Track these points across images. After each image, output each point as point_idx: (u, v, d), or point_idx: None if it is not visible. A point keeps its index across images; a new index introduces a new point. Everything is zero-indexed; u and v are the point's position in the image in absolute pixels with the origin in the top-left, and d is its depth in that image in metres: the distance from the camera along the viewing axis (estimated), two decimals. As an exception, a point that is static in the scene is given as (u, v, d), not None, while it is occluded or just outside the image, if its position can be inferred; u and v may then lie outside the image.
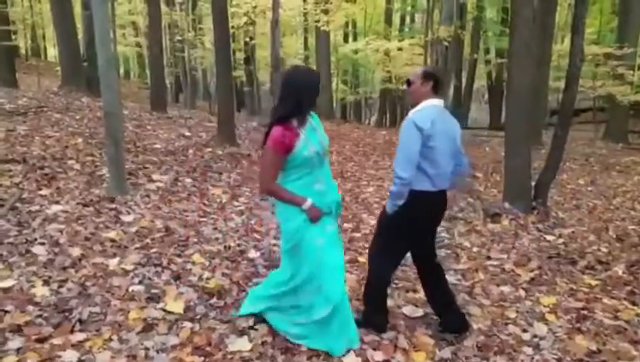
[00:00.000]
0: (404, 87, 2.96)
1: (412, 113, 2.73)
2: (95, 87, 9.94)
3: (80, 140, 6.82)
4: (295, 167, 2.56)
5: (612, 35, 16.21)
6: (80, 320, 2.81)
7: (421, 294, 3.52)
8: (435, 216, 2.91)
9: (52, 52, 26.62)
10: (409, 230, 2.82)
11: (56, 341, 2.60)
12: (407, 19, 23.21)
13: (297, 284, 2.70)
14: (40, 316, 2.82)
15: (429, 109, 2.73)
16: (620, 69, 12.62)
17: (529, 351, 2.89)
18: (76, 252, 3.64)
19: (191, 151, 7.52)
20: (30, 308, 2.88)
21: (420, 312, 3.26)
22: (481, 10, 17.72)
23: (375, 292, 2.98)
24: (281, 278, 2.82)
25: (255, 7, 14.91)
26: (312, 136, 2.59)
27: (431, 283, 3.04)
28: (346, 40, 22.17)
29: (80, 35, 12.09)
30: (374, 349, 2.78)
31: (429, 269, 3.02)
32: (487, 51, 20.59)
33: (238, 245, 4.24)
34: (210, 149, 7.81)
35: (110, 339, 2.68)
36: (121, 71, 29.83)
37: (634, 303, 3.59)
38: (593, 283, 3.96)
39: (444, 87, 2.81)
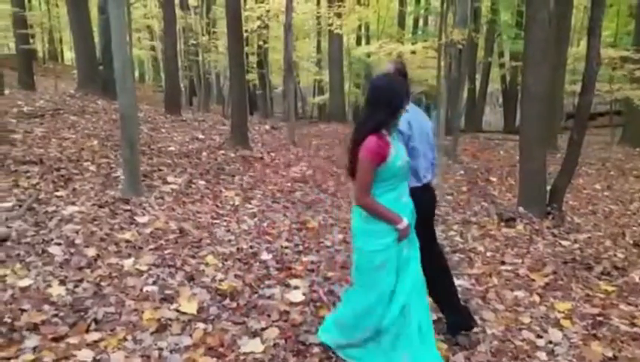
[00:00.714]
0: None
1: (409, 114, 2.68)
2: (111, 90, 10.09)
3: (96, 142, 6.92)
4: (385, 180, 2.41)
5: (629, 38, 15.96)
6: (95, 320, 2.85)
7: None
8: (426, 209, 2.85)
9: (69, 55, 27.03)
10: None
11: (71, 340, 2.64)
12: (421, 22, 23.13)
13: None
14: (56, 315, 2.86)
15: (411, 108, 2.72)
16: (638, 72, 12.42)
17: (543, 356, 2.86)
18: (92, 252, 3.69)
19: (204, 153, 7.58)
20: (46, 307, 2.92)
21: (432, 317, 3.24)
22: (495, 14, 17.59)
23: None
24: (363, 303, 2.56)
25: (268, 10, 15.00)
26: (398, 145, 2.50)
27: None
28: (358, 43, 22.14)
29: (96, 39, 12.26)
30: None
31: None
32: (501, 54, 20.40)
33: (251, 247, 4.26)
34: (223, 152, 7.86)
35: (125, 339, 2.70)
36: (136, 74, 30.16)
37: (651, 310, 3.53)
38: (609, 289, 3.89)
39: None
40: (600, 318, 3.35)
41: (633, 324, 3.29)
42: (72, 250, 3.68)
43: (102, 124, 8.22)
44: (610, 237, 5.33)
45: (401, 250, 2.49)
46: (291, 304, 3.29)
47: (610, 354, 2.89)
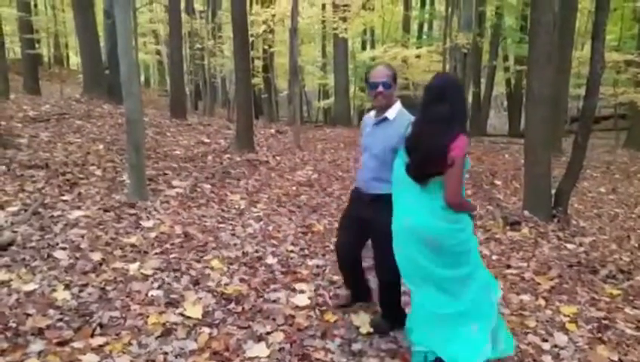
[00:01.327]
0: (380, 89, 2.75)
1: (405, 116, 2.77)
2: (116, 95, 10.15)
3: (101, 147, 6.96)
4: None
5: (633, 42, 15.93)
6: (100, 324, 2.86)
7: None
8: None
9: (74, 60, 27.20)
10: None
11: (76, 344, 2.65)
12: (425, 26, 23.16)
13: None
14: (61, 319, 2.87)
15: (405, 112, 2.83)
16: (642, 75, 12.42)
17: (549, 360, 2.85)
18: (97, 257, 3.70)
19: (210, 157, 7.60)
20: (51, 311, 2.93)
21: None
22: (499, 18, 17.60)
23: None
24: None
25: (274, 15, 15.07)
26: None
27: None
28: (363, 47, 22.20)
29: (102, 43, 12.35)
30: (392, 357, 2.77)
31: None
32: (505, 58, 20.40)
33: (256, 251, 4.26)
34: (228, 156, 7.88)
35: (130, 344, 2.71)
36: (142, 78, 30.33)
37: (657, 313, 3.52)
38: (615, 292, 3.89)
39: None
40: (605, 322, 3.34)
41: (639, 328, 3.28)
42: (78, 255, 3.70)
43: (107, 129, 8.26)
44: (616, 241, 5.32)
45: None
46: (297, 308, 3.28)
47: (615, 357, 2.89)
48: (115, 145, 7.13)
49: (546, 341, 3.07)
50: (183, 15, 14.83)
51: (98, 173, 5.79)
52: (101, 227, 4.28)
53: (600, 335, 3.16)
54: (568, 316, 3.41)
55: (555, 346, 3.02)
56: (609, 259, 4.63)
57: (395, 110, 2.80)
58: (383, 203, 2.67)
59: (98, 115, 9.33)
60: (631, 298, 3.80)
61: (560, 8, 8.35)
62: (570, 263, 4.48)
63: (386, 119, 2.81)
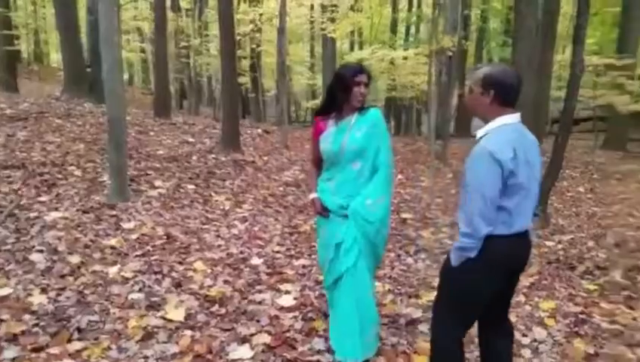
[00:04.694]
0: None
1: (484, 140, 2.01)
2: (98, 93, 9.97)
3: (81, 146, 6.83)
4: (324, 159, 2.68)
5: (613, 46, 16.27)
6: (78, 329, 2.80)
7: (423, 299, 3.54)
8: (513, 266, 2.17)
9: (55, 57, 26.69)
10: (482, 288, 2.11)
11: (52, 350, 2.58)
12: (413, 29, 23.32)
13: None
14: (37, 325, 2.80)
15: (506, 132, 2.01)
16: (621, 79, 12.67)
17: (528, 354, 2.90)
18: (75, 259, 3.62)
19: (194, 157, 7.52)
20: (27, 316, 2.86)
21: (421, 317, 3.26)
22: (484, 21, 17.81)
23: None
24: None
25: (262, 14, 14.98)
26: (337, 134, 2.58)
27: (493, 348, 2.34)
28: (351, 48, 22.26)
29: (83, 40, 12.12)
30: (377, 355, 2.75)
31: (494, 333, 2.33)
32: (490, 61, 20.66)
33: (241, 252, 4.22)
34: (213, 156, 7.81)
35: (109, 348, 2.66)
36: (125, 76, 29.94)
37: (631, 307, 3.62)
38: (591, 288, 3.99)
39: (517, 96, 2.09)
40: (582, 316, 3.42)
41: (614, 321, 3.36)
42: (55, 258, 3.62)
43: (88, 128, 8.11)
44: (593, 238, 5.42)
45: (332, 225, 2.63)
46: (282, 309, 3.26)
47: (591, 350, 2.95)
48: (95, 144, 7.00)
49: (526, 336, 3.12)
50: (169, 12, 14.66)
51: (77, 173, 5.68)
52: (80, 229, 4.19)
53: (577, 329, 3.23)
54: (547, 311, 3.48)
55: (535, 340, 3.07)
56: (586, 256, 4.74)
57: (485, 130, 2.09)
58: None
59: (79, 113, 9.15)
60: (607, 293, 3.90)
61: (543, 13, 8.47)
62: (550, 260, 4.58)
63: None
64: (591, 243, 5.20)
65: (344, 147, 2.52)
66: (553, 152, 5.90)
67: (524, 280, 4.01)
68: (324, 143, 2.59)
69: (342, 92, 2.51)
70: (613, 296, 3.81)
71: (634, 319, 3.40)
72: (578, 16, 5.59)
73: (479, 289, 2.12)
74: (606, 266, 4.46)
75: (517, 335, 3.08)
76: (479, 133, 2.08)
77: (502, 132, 2.01)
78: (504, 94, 2.02)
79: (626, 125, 14.96)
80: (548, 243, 5.11)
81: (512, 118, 2.04)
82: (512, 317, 3.30)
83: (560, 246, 5.04)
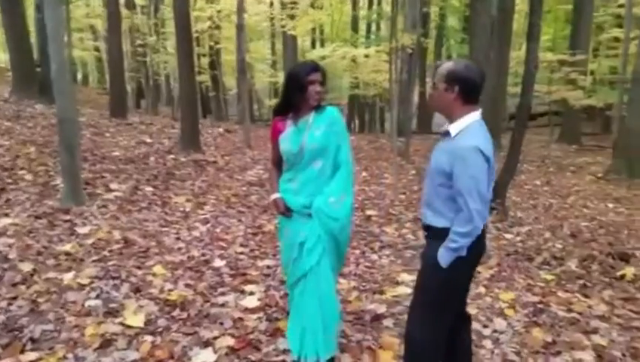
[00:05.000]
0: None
1: (463, 137, 2.02)
2: (49, 94, 9.54)
3: (32, 149, 6.55)
4: (285, 160, 2.65)
5: (566, 43, 16.90)
6: (32, 339, 2.67)
7: (388, 295, 3.56)
8: (482, 255, 2.26)
9: (1, 57, 25.42)
10: (466, 282, 2.24)
11: (5, 361, 2.46)
12: (374, 26, 23.53)
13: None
14: (-14, 336, 2.66)
15: (481, 127, 2.06)
16: (573, 74, 13.18)
17: (489, 345, 2.96)
18: (27, 267, 3.46)
19: (152, 158, 7.34)
20: (-24, 328, 2.71)
21: (385, 312, 3.28)
22: (443, 19, 18.15)
23: None
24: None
25: (219, 11, 14.74)
26: (296, 134, 2.53)
27: (457, 335, 2.34)
28: (313, 46, 22.24)
29: (33, 39, 11.63)
30: (342, 351, 2.76)
31: (460, 321, 2.35)
32: (449, 58, 21.08)
33: (203, 254, 4.14)
34: (173, 156, 7.64)
35: (65, 358, 2.55)
36: (79, 76, 28.95)
37: (586, 296, 3.78)
38: (549, 278, 4.12)
39: (480, 91, 2.13)
40: (540, 306, 3.53)
41: (570, 310, 3.49)
42: (5, 266, 3.45)
43: (39, 130, 7.80)
44: (550, 229, 5.63)
45: (294, 224, 2.60)
46: (246, 310, 3.21)
47: (549, 339, 3.05)
48: (47, 147, 6.73)
49: (487, 326, 3.19)
50: (123, 10, 14.24)
51: (29, 177, 5.45)
52: (32, 235, 4.02)
53: (535, 318, 3.34)
54: (507, 302, 3.57)
55: (495, 331, 3.14)
56: (544, 247, 4.90)
57: (459, 127, 2.08)
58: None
59: (29, 115, 8.79)
60: (563, 282, 4.05)
61: (498, 10, 8.71)
62: (508, 252, 4.72)
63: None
64: (548, 235, 5.39)
65: (304, 147, 2.50)
66: (510, 147, 6.08)
67: (485, 272, 4.11)
68: (284, 144, 2.55)
69: (297, 91, 2.47)
70: (570, 285, 3.97)
71: (589, 307, 3.55)
72: (531, 14, 5.77)
73: (464, 285, 2.22)
74: (562, 256, 4.64)
75: (478, 326, 3.16)
76: (453, 131, 2.07)
77: (478, 127, 2.04)
78: (468, 90, 2.04)
79: (580, 119, 15.62)
80: (507, 235, 5.26)
81: (478, 115, 2.08)
82: (473, 309, 3.38)
83: (518, 238, 5.20)
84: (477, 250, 2.08)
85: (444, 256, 2.04)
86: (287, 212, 2.62)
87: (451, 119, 2.10)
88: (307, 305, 2.55)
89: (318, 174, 2.56)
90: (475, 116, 2.06)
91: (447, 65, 2.10)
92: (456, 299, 2.22)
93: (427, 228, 2.20)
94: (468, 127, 2.04)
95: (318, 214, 2.52)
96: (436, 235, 2.10)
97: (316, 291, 2.54)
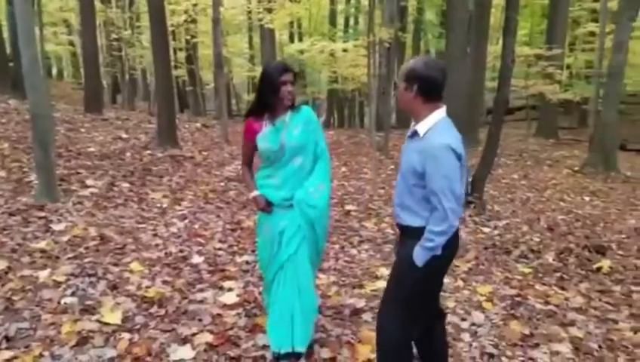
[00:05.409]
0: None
1: (433, 135, 2.00)
2: (22, 89, 9.33)
3: (6, 145, 6.41)
4: (261, 158, 2.70)
5: (542, 37, 17.13)
6: (6, 338, 2.64)
7: (367, 289, 3.59)
8: (455, 253, 2.24)
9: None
10: (441, 279, 2.26)
11: (-22, 361, 2.42)
12: (352, 20, 23.51)
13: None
14: (-40, 335, 2.60)
15: (450, 126, 2.06)
16: (550, 68, 13.38)
17: (467, 338, 2.99)
18: (1, 265, 3.41)
19: (128, 154, 7.24)
20: (-51, 327, 2.66)
21: (364, 306, 3.30)
22: (420, 13, 18.22)
23: None
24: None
25: (195, 4, 14.52)
26: (274, 133, 2.59)
27: (433, 330, 2.36)
28: (291, 40, 22.12)
29: (5, 34, 11.33)
30: (321, 346, 2.78)
31: (436, 317, 2.38)
32: (427, 53, 21.19)
33: (181, 251, 4.11)
34: (149, 152, 7.55)
35: (41, 356, 2.53)
36: (54, 71, 28.30)
37: (563, 288, 3.83)
38: (526, 271, 4.17)
39: (442, 89, 2.09)
40: (518, 299, 3.57)
41: (547, 303, 3.54)
42: (-21, 264, 3.38)
43: (13, 126, 7.63)
44: (527, 223, 5.69)
45: (274, 218, 2.66)
46: (224, 306, 3.20)
47: (527, 331, 3.09)
48: (21, 143, 6.59)
49: (465, 319, 3.22)
50: (98, 3, 13.95)
51: (2, 173, 5.34)
52: (6, 232, 3.96)
53: (513, 311, 3.38)
54: (484, 295, 3.61)
55: (473, 324, 3.17)
56: (521, 240, 4.96)
57: (428, 125, 2.05)
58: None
59: (2, 110, 8.59)
60: (540, 275, 4.10)
61: (475, 5, 8.80)
62: (486, 246, 4.76)
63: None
64: (525, 228, 5.45)
65: (284, 144, 2.58)
66: (487, 141, 6.13)
67: (462, 266, 4.15)
68: (263, 142, 2.60)
69: (271, 93, 2.54)
70: (547, 278, 4.02)
71: (566, 299, 3.60)
72: (508, 8, 5.84)
73: (439, 282, 2.23)
74: (539, 250, 4.69)
75: (456, 319, 3.20)
76: (420, 130, 2.05)
77: (445, 125, 2.03)
78: (427, 88, 2.03)
79: (557, 113, 15.84)
80: (484, 229, 5.31)
81: (443, 112, 2.06)
82: (451, 303, 3.42)
83: (496, 231, 5.25)
84: (451, 247, 2.10)
85: (419, 256, 2.04)
86: (267, 208, 2.66)
87: (417, 118, 2.09)
88: (285, 295, 2.59)
89: (298, 169, 2.64)
90: (440, 113, 2.05)
91: (407, 64, 2.09)
92: (430, 297, 2.25)
93: (402, 228, 2.21)
94: (435, 125, 2.03)
95: (300, 204, 2.60)
96: (412, 235, 2.10)
97: (294, 280, 2.60)
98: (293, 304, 2.58)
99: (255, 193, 2.69)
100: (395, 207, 2.23)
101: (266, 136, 2.59)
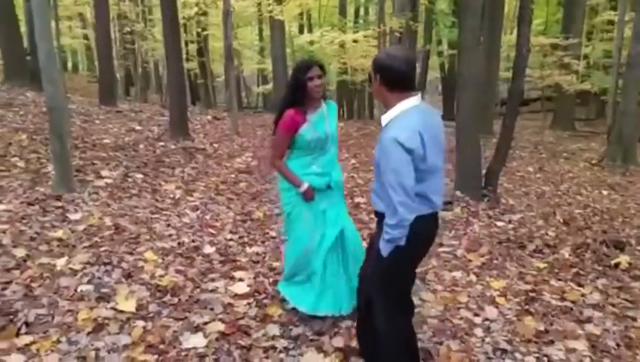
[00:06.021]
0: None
1: (389, 128, 1.99)
2: (40, 82, 9.48)
3: (24, 136, 6.52)
4: (298, 148, 2.90)
5: (558, 26, 16.82)
6: (26, 323, 2.71)
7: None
8: (431, 241, 2.28)
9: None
10: (412, 267, 2.27)
11: (0, 345, 2.49)
12: (362, 10, 23.31)
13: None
14: (-18, 320, 2.68)
15: (410, 117, 2.00)
16: (566, 58, 13.12)
17: (480, 333, 2.97)
18: (21, 253, 3.48)
19: (142, 145, 7.32)
20: (-30, 313, 2.74)
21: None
22: (432, 2, 17.98)
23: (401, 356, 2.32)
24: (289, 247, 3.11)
25: (206, -4, 14.54)
26: (320, 123, 2.87)
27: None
28: (301, 31, 22.02)
29: (23, 28, 11.51)
30: (331, 337, 2.81)
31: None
32: (439, 43, 20.93)
33: (193, 241, 4.17)
34: (162, 143, 7.62)
35: (58, 341, 2.59)
36: (69, 64, 28.60)
37: (579, 284, 3.74)
38: (541, 266, 4.08)
39: (407, 80, 2.04)
40: (532, 294, 3.51)
41: (563, 299, 3.47)
42: (-1, 251, 3.46)
43: (31, 118, 7.75)
44: (542, 217, 5.58)
45: (315, 204, 2.93)
46: (236, 296, 3.25)
47: (542, 327, 3.04)
48: (39, 134, 6.70)
49: (478, 315, 3.19)
50: (111, -3, 14.04)
51: (21, 164, 5.44)
52: (25, 221, 4.03)
53: (527, 307, 3.32)
54: (498, 290, 3.56)
55: (486, 319, 3.14)
56: (536, 235, 4.86)
57: (390, 117, 2.09)
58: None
59: (21, 103, 8.72)
60: (556, 270, 4.01)
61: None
62: (500, 240, 4.68)
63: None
64: (540, 222, 5.34)
65: (328, 133, 2.90)
66: (501, 133, 6.04)
67: (476, 260, 4.10)
68: (311, 132, 2.82)
69: (300, 90, 2.77)
70: (563, 274, 3.93)
71: (582, 296, 3.52)
72: (522, -3, 5.73)
73: (409, 270, 2.26)
74: (555, 244, 4.58)
75: (469, 314, 3.17)
76: (383, 121, 2.07)
77: (405, 118, 2.00)
78: (390, 78, 2.02)
79: (573, 105, 15.52)
80: (498, 223, 5.20)
81: (411, 102, 2.03)
82: (464, 297, 3.40)
83: (510, 225, 5.15)
84: (418, 238, 2.09)
85: (382, 247, 2.07)
86: (313, 196, 2.93)
87: (386, 108, 2.10)
88: (347, 263, 2.95)
89: (333, 156, 3.02)
90: (407, 104, 2.03)
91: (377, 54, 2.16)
92: (406, 283, 2.27)
93: (377, 214, 2.23)
94: (397, 116, 2.02)
95: (338, 183, 3.03)
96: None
97: (350, 248, 2.97)
98: (354, 269, 2.78)
99: (306, 185, 2.88)
100: (373, 194, 2.25)
101: (314, 125, 2.83)
